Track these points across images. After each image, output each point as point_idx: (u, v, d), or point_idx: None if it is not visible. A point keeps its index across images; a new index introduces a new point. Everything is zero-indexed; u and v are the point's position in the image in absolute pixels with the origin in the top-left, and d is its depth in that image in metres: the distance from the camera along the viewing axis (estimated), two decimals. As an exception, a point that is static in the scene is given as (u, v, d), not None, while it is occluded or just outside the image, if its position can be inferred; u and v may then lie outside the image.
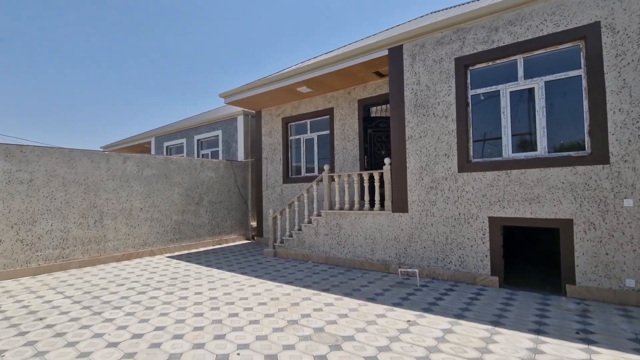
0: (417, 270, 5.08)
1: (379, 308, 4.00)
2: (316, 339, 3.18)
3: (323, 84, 7.49)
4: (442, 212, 5.25)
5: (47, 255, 6.06)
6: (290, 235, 7.23)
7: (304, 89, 7.70)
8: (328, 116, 8.16)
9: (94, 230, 6.67)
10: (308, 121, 8.59)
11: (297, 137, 8.82)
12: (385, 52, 5.94)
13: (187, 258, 7.25)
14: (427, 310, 3.92)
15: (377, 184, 6.02)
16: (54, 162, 6.21)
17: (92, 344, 3.16)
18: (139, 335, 3.32)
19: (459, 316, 3.72)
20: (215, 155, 11.11)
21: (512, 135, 4.92)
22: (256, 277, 5.55)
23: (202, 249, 8.37)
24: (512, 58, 4.87)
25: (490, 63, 5.05)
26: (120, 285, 5.18)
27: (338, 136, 7.92)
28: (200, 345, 3.08)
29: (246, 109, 10.03)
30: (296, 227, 7.11)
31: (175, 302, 4.30)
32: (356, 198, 6.27)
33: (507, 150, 4.92)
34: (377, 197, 6.01)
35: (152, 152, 13.93)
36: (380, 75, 7.01)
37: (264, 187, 9.27)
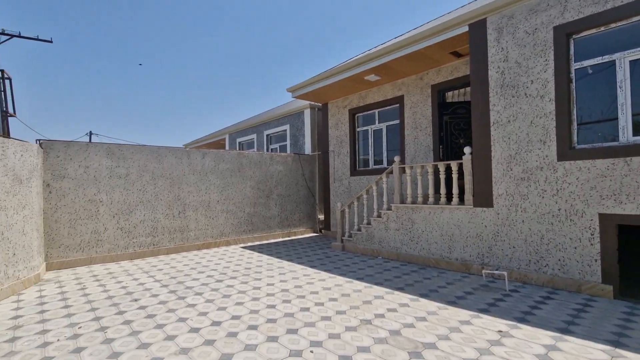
0: (505, 273, 4.49)
1: (463, 313, 3.59)
2: (393, 343, 2.95)
3: (392, 71, 7.07)
4: (537, 208, 4.55)
5: (141, 242, 6.77)
6: (359, 230, 7.03)
7: (372, 77, 7.36)
8: (398, 105, 7.71)
9: (178, 221, 7.27)
10: (376, 111, 8.24)
11: (364, 128, 8.53)
12: (465, 29, 5.32)
13: (259, 249, 7.52)
14: (521, 320, 3.40)
15: (454, 176, 5.48)
16: (145, 158, 6.88)
17: (177, 327, 3.36)
18: (218, 323, 3.44)
19: (564, 331, 3.14)
20: (283, 149, 11.39)
21: (633, 115, 4.02)
22: (325, 271, 5.48)
23: (272, 241, 8.64)
24: (635, 19, 3.95)
25: (602, 28, 4.17)
26: (200, 272, 5.53)
27: (409, 125, 7.44)
28: (274, 338, 3.06)
29: (313, 102, 10.03)
30: (365, 221, 6.88)
31: (249, 292, 4.42)
32: (430, 191, 5.80)
33: (626, 133, 4.03)
34: (454, 190, 5.47)
35: (227, 148, 14.86)
36: (458, 55, 6.35)
37: (331, 180, 9.20)
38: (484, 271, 4.84)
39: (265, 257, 6.58)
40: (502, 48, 4.90)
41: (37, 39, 8.92)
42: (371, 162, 8.35)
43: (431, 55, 6.30)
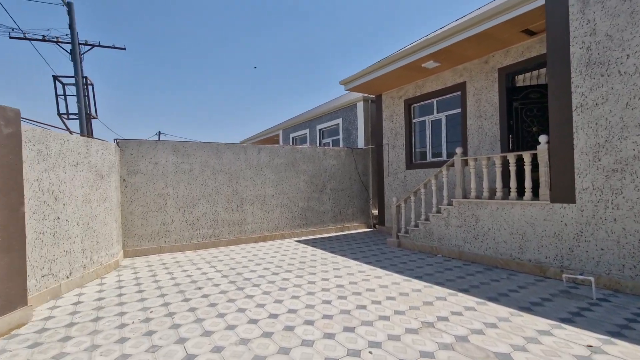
0: (591, 278, 3.92)
1: (541, 322, 3.19)
2: (460, 350, 2.70)
3: (453, 55, 6.57)
4: (633, 204, 3.89)
5: (204, 234, 7.18)
6: (416, 225, 6.70)
7: (430, 64, 6.92)
8: (459, 92, 7.17)
9: (236, 214, 7.57)
10: (434, 100, 7.75)
11: (421, 119, 8.09)
12: (541, 2, 4.71)
13: (313, 243, 7.54)
14: (616, 334, 2.92)
15: (527, 168, 4.92)
16: (206, 155, 7.26)
17: (237, 317, 3.45)
18: (275, 316, 3.47)
19: (676, 351, 2.62)
20: (335, 143, 11.31)
21: None
22: (381, 267, 5.29)
23: (325, 235, 8.63)
24: None
25: None
26: (257, 264, 5.69)
27: (472, 114, 6.88)
28: (330, 336, 2.99)
29: (366, 94, 9.79)
30: (422, 217, 6.53)
31: (304, 286, 4.42)
32: (498, 185, 5.29)
33: None
34: (527, 184, 4.92)
35: (280, 143, 15.21)
36: (530, 34, 5.68)
37: (385, 174, 8.91)
38: (564, 275, 4.29)
39: (319, 252, 6.58)
40: (588, 20, 4.24)
41: (113, 47, 9.94)
42: (429, 155, 7.90)
43: (499, 35, 5.71)
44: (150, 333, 3.15)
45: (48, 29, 8.79)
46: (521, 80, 6.68)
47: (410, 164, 8.22)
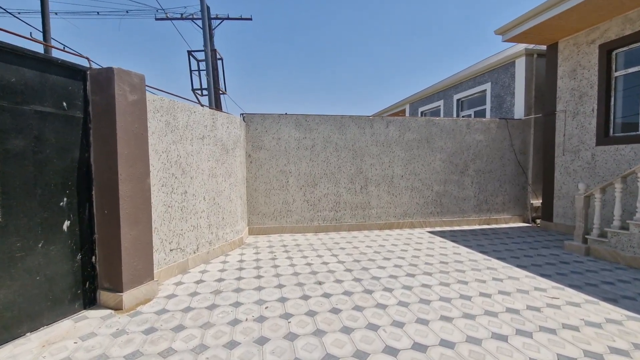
0: None
1: None
2: None
3: None
4: None
5: (325, 216, 6.58)
6: (623, 228, 4.50)
7: (664, -22, 4.39)
8: None
9: (360, 196, 6.71)
10: (660, 39, 5.05)
11: (630, 71, 5.47)
12: None
13: (452, 236, 6.09)
14: None
15: None
16: (329, 129, 6.55)
17: (367, 339, 2.53)
18: (421, 348, 2.40)
19: None
20: (479, 115, 9.19)
21: None
22: (571, 287, 3.58)
23: (465, 228, 6.99)
24: None
25: None
26: (386, 259, 4.69)
27: None
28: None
29: (532, 45, 7.40)
30: (638, 215, 4.31)
31: (456, 303, 3.19)
32: None
33: None
34: None
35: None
36: None
37: (557, 152, 6.57)
38: None
39: (463, 249, 5.14)
40: None
41: (240, 19, 10.23)
42: (643, 123, 5.29)
43: None
44: (262, 341, 2.52)
45: (185, 7, 9.66)
46: None
47: (604, 138, 5.73)
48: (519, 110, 7.60)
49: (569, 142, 6.34)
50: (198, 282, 3.82)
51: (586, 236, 4.88)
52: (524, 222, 7.47)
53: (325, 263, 4.51)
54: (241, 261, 4.63)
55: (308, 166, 6.50)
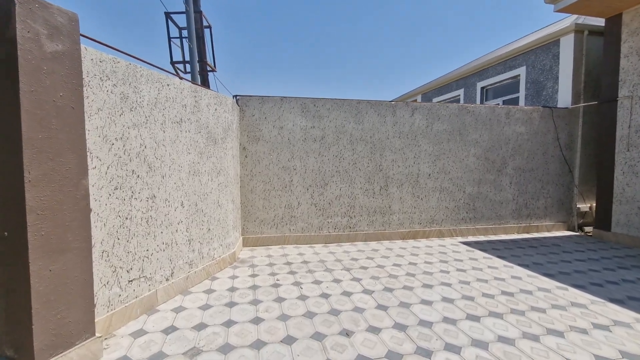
0: None
1: None
2: None
3: None
4: None
5: (337, 223, 5.39)
6: None
7: None
8: None
9: (379, 199, 5.52)
10: None
11: None
12: None
13: (495, 250, 4.94)
14: None
15: None
16: (342, 116, 5.34)
17: None
18: None
19: None
20: (510, 104, 8.01)
21: None
22: None
23: (504, 237, 5.84)
24: None
25: None
26: (426, 286, 3.50)
27: None
28: None
29: (582, 19, 6.22)
30: None
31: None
32: None
33: None
34: None
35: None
36: None
37: (619, 147, 5.43)
38: None
39: (520, 271, 3.98)
40: None
41: None
42: None
43: None
44: None
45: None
46: None
47: (690, 129, 4.59)
48: (563, 97, 6.43)
49: (637, 135, 5.19)
50: (167, 330, 2.61)
51: (686, 256, 3.73)
52: (568, 229, 6.34)
53: (347, 293, 3.32)
54: (232, 289, 3.43)
55: (317, 162, 5.29)
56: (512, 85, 7.88)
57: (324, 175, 5.31)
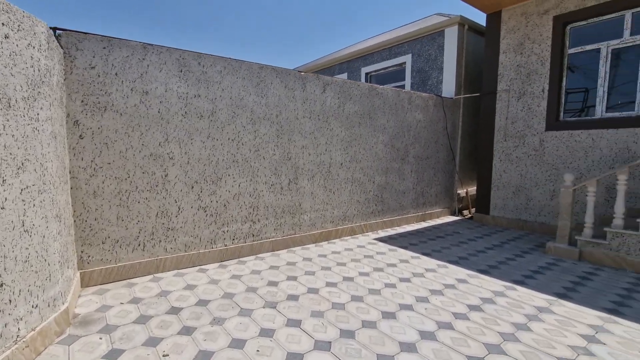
0: None
1: None
2: None
3: None
4: None
5: (235, 231, 3.94)
6: (627, 228, 3.84)
7: None
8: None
9: (287, 196, 4.36)
10: (625, 14, 4.67)
11: (585, 48, 5.02)
12: None
13: (413, 245, 4.56)
14: None
15: None
16: (240, 84, 3.85)
17: None
18: None
19: None
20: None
21: None
22: (608, 311, 2.42)
23: (407, 228, 5.66)
24: None
25: None
26: (388, 315, 2.61)
27: None
28: None
29: (464, 16, 6.49)
30: None
31: None
32: None
33: None
34: None
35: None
36: None
37: (497, 137, 5.91)
38: None
39: (454, 269, 3.61)
40: None
41: None
42: (600, 107, 4.93)
43: None
44: None
45: None
46: None
47: (555, 122, 5.24)
48: (447, 88, 6.71)
49: (513, 126, 5.71)
50: None
51: (577, 237, 4.10)
52: (451, 214, 6.74)
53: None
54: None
55: (206, 147, 3.66)
56: (398, 73, 7.93)
57: (216, 167, 3.74)
